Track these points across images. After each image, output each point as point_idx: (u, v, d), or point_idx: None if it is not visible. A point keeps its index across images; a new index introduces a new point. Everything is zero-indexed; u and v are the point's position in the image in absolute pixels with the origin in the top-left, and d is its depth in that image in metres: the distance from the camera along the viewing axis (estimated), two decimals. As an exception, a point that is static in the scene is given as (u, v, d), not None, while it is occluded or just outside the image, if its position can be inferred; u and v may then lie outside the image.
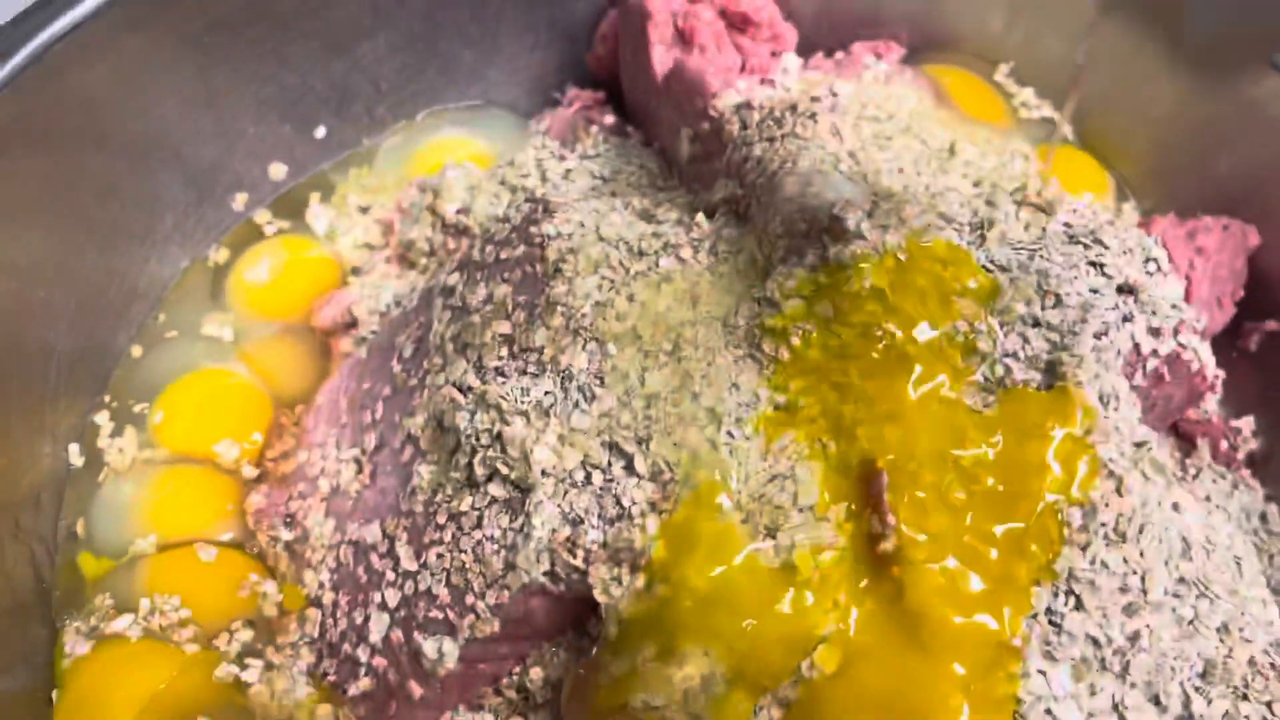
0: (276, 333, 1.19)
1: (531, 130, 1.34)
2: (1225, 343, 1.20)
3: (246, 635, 0.97)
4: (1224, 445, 1.15)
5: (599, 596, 0.82)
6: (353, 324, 1.15)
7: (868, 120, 1.12)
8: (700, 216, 0.99)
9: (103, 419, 1.11)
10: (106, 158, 1.08)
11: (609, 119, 1.26)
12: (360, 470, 1.00)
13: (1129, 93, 1.29)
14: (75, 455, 1.07)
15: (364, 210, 1.26)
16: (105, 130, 1.06)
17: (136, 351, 1.16)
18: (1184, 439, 1.16)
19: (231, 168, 1.22)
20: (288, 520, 1.04)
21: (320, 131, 1.28)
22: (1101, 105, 1.31)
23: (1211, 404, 1.18)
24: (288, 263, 1.21)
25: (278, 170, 1.26)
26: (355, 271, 1.21)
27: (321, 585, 0.99)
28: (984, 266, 0.92)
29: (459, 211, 1.15)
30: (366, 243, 1.23)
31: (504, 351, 0.91)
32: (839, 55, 1.35)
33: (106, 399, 1.12)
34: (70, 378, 1.06)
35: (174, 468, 1.09)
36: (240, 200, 1.24)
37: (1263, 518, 1.12)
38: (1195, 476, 1.13)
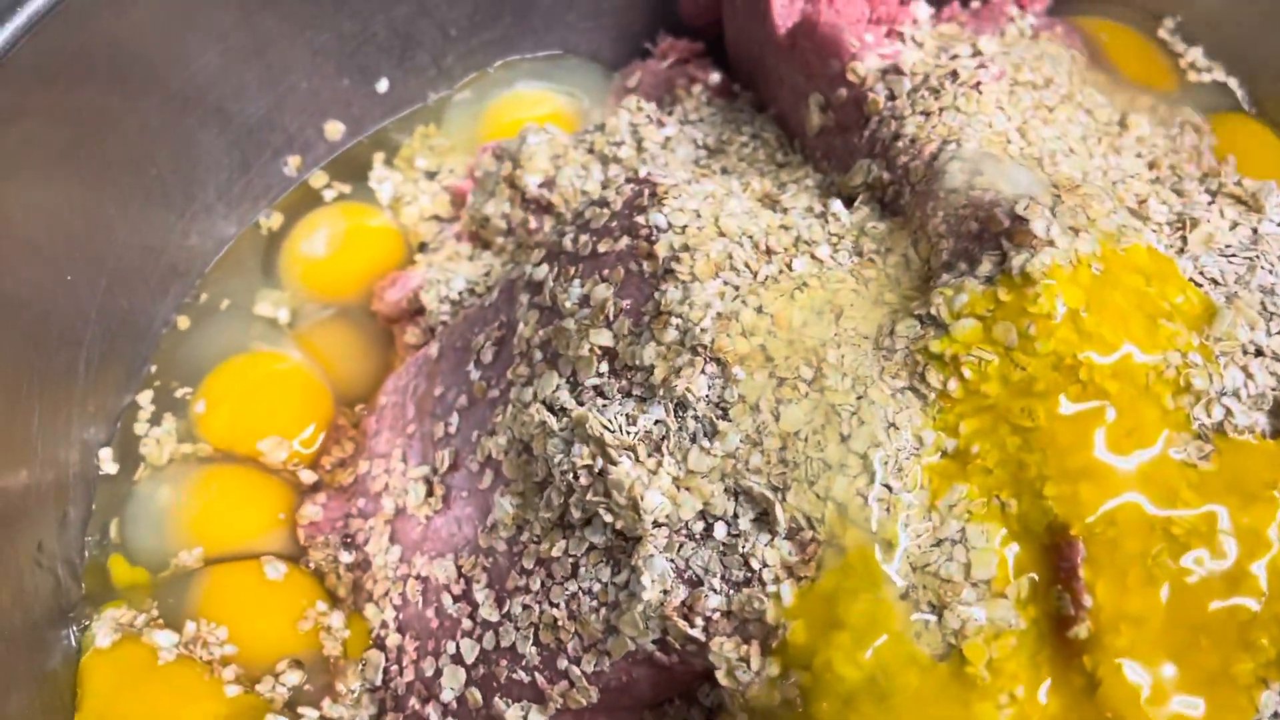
0: (335, 315, 1.05)
1: (618, 85, 1.18)
2: None
3: (295, 678, 0.85)
4: None
5: (723, 680, 0.68)
6: (419, 310, 1.01)
7: (1024, 86, 0.95)
8: (837, 205, 0.83)
9: (145, 399, 0.99)
10: (139, 116, 0.94)
11: (713, 76, 1.09)
12: (431, 492, 0.87)
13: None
14: (108, 462, 0.94)
15: (431, 176, 1.11)
16: (138, 84, 0.93)
17: (184, 324, 1.03)
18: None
19: (282, 126, 1.07)
20: (346, 540, 0.91)
21: (382, 85, 1.13)
22: (1283, 66, 1.13)
23: None
24: (348, 233, 1.08)
25: (334, 129, 1.11)
26: (422, 248, 1.07)
27: (385, 625, 0.86)
28: (1192, 280, 0.75)
29: (542, 185, 1.00)
30: (435, 214, 1.09)
31: (604, 368, 0.77)
32: (976, 3, 1.17)
33: (153, 369, 1.00)
34: (100, 374, 0.93)
35: (217, 467, 0.96)
36: (293, 164, 1.10)
37: None
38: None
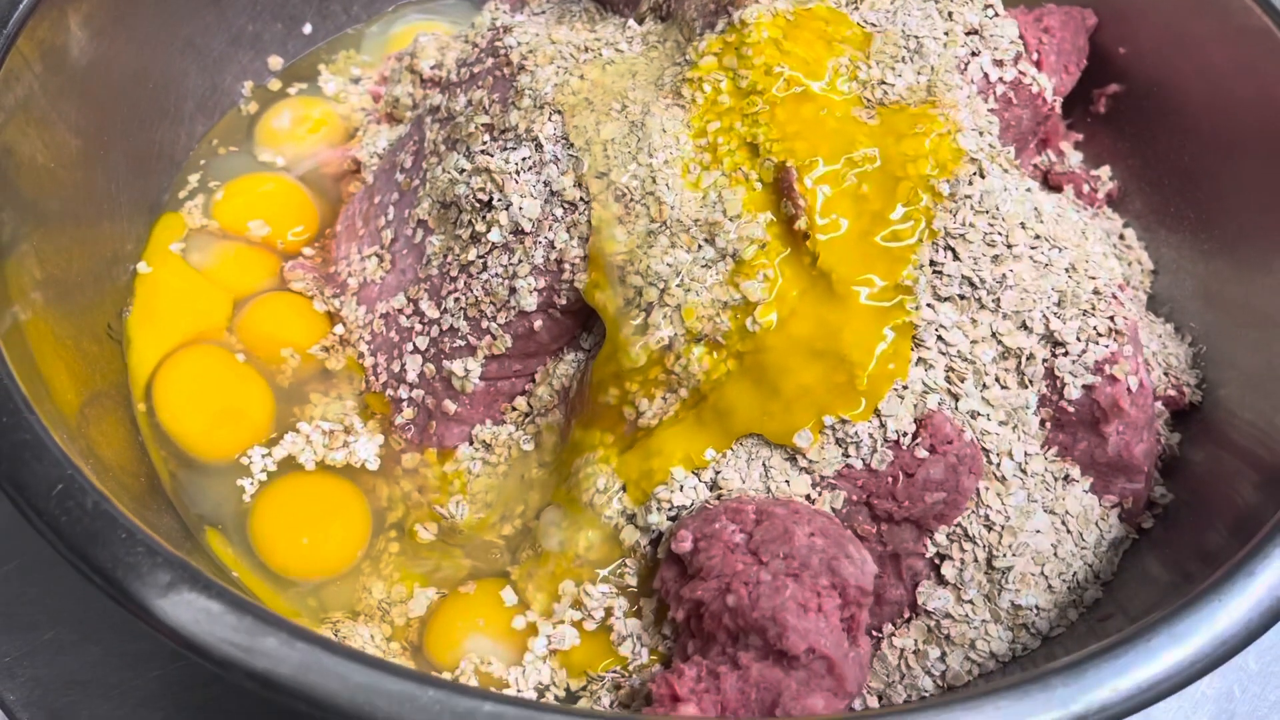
0: (303, 174, 1.41)
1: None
2: (1080, 110, 1.45)
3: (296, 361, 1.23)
4: (1085, 188, 1.40)
5: (587, 298, 1.05)
6: (357, 170, 1.37)
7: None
8: (631, 22, 1.22)
9: (194, 178, 1.37)
10: (136, 48, 1.29)
11: (550, -23, 1.49)
12: (381, 261, 1.23)
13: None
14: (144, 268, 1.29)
15: (356, 81, 1.49)
16: (133, 26, 1.28)
17: (223, 150, 1.42)
18: (1052, 188, 1.41)
19: (237, 59, 1.44)
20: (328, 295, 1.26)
21: (307, 28, 1.51)
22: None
23: (1074, 158, 1.43)
24: (305, 116, 1.44)
25: (275, 62, 1.48)
26: (357, 130, 1.44)
27: (361, 356, 1.21)
28: (859, 24, 1.16)
29: (434, 67, 1.37)
30: (362, 107, 1.46)
31: (487, 137, 1.14)
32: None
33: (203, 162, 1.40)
34: (128, 223, 1.28)
35: (229, 243, 1.32)
36: (248, 87, 1.46)
37: (1120, 237, 1.37)
38: (1064, 210, 1.37)
